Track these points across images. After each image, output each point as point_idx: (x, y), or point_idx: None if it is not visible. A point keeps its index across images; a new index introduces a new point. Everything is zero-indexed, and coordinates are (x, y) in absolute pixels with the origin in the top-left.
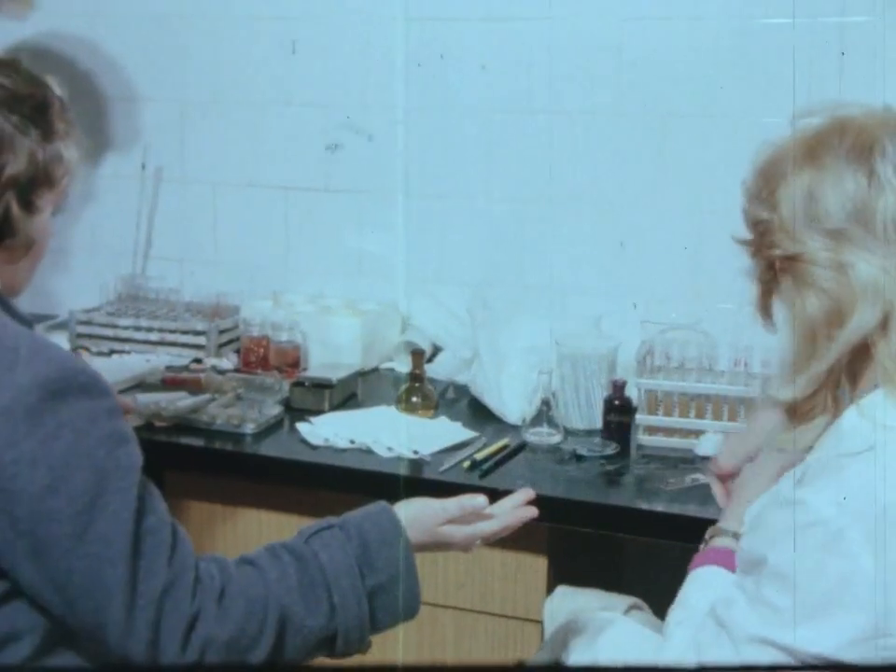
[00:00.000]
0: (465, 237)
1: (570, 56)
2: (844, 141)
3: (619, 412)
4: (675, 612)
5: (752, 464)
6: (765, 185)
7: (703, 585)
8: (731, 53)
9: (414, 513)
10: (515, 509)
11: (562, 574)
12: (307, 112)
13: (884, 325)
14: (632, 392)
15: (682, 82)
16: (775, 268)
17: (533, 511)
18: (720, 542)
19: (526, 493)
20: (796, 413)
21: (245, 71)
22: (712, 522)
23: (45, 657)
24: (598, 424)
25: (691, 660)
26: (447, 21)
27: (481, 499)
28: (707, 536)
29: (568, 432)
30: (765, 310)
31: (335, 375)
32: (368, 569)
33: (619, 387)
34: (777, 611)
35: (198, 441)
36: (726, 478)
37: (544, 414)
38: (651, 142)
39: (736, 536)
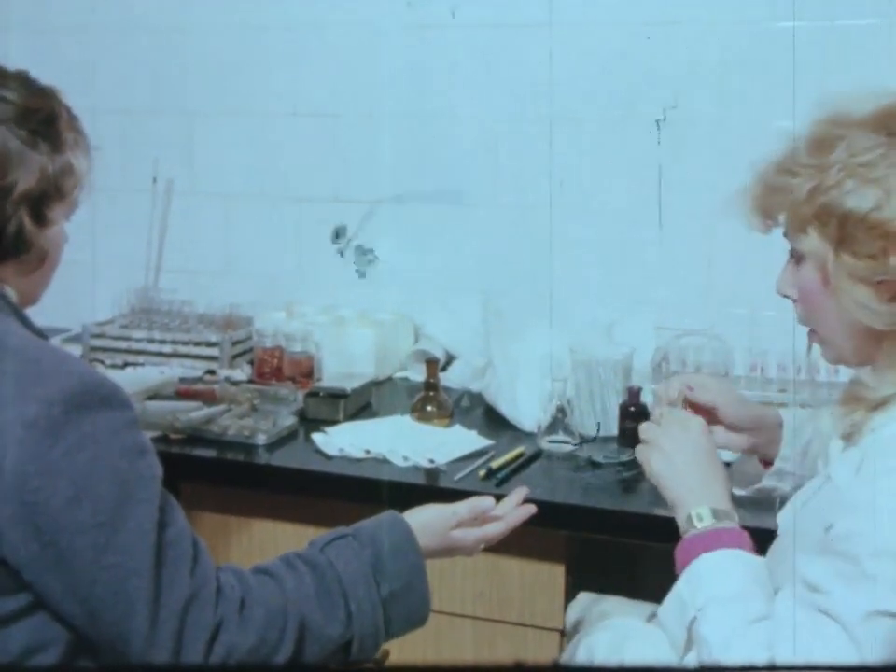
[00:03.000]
0: (477, 245)
1: (578, 62)
2: None
3: (634, 418)
4: (711, 609)
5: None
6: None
7: (736, 570)
8: (737, 57)
9: (425, 519)
10: (515, 509)
11: (580, 582)
12: (316, 122)
13: None
14: (648, 398)
15: (689, 87)
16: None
17: (531, 509)
18: (722, 525)
19: (522, 492)
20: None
21: (253, 82)
22: None
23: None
24: (614, 431)
25: (761, 657)
26: (455, 28)
27: (489, 501)
28: (689, 520)
29: (584, 439)
30: None
31: (349, 385)
32: (382, 577)
33: (634, 394)
34: (886, 582)
35: (211, 453)
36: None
37: (559, 422)
38: (662, 149)
39: (729, 515)
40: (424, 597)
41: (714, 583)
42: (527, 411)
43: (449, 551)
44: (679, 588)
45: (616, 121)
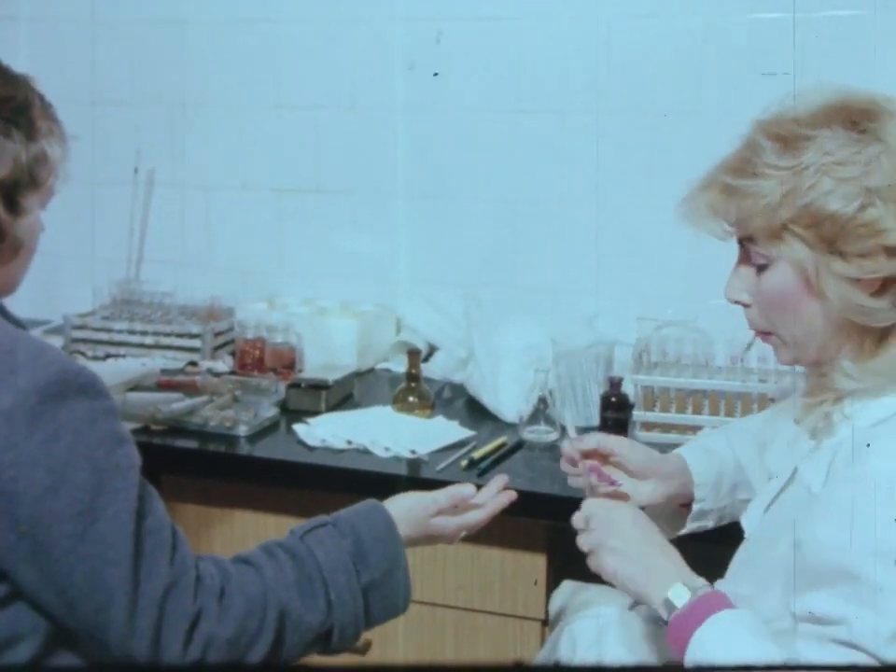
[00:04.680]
0: (459, 237)
1: (562, 56)
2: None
3: (616, 408)
4: None
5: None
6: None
7: (738, 630)
8: (719, 49)
9: (406, 508)
10: (496, 496)
11: (561, 571)
12: (299, 114)
13: None
14: (628, 389)
15: (671, 80)
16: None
17: (512, 495)
18: (699, 595)
19: (502, 479)
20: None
21: (236, 73)
22: None
23: (46, 659)
24: (595, 421)
25: None
26: (440, 20)
27: (469, 489)
28: (667, 603)
29: (565, 430)
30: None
31: (331, 376)
32: (362, 566)
33: (615, 384)
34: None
35: (192, 444)
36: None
37: (541, 412)
38: (643, 140)
39: (698, 582)
40: (404, 586)
41: (725, 652)
42: (509, 401)
43: (429, 538)
44: None
45: (601, 115)
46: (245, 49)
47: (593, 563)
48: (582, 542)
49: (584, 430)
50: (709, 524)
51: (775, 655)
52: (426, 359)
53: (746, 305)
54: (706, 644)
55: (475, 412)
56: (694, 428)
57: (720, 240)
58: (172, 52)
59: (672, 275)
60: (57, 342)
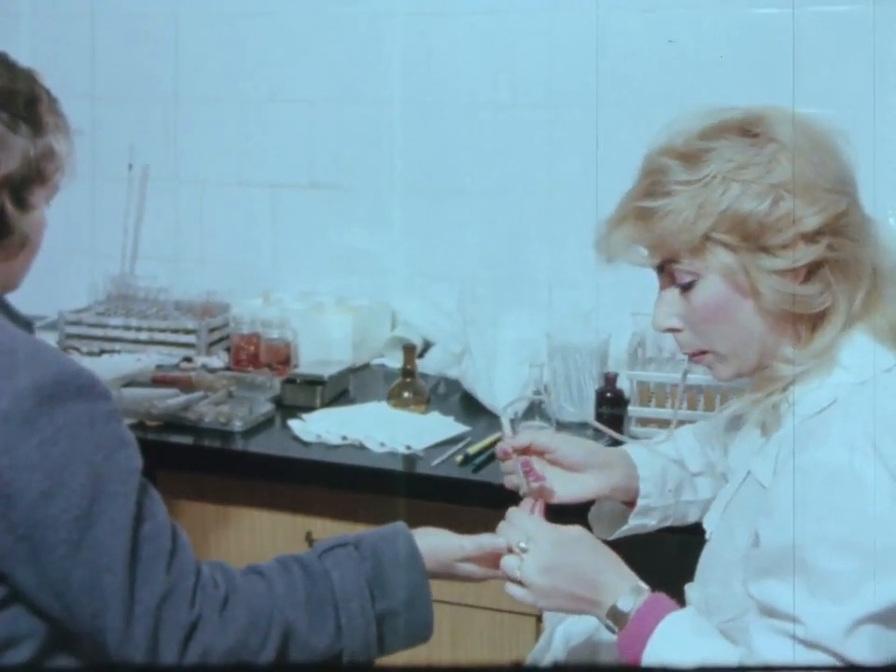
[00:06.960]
0: (454, 232)
1: (557, 49)
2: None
3: (611, 404)
4: None
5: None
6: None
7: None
8: (713, 44)
9: (432, 545)
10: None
11: None
12: (295, 109)
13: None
14: (624, 384)
15: (668, 74)
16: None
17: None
18: (642, 599)
19: None
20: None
21: (230, 68)
22: None
23: (44, 662)
24: (591, 417)
25: None
26: (435, 15)
27: (500, 542)
28: (613, 611)
29: (561, 425)
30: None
31: (326, 372)
32: (379, 592)
33: (611, 380)
34: (848, 580)
35: (187, 440)
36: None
37: (536, 408)
38: (640, 134)
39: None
40: (425, 618)
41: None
42: (504, 397)
43: (452, 578)
44: None
45: (596, 109)
46: (241, 43)
47: (527, 594)
48: (511, 566)
49: (580, 426)
50: (652, 522)
51: (731, 654)
52: (421, 355)
53: (677, 330)
54: (661, 653)
55: (470, 407)
56: (690, 424)
57: (648, 267)
58: (166, 47)
59: None
60: (52, 337)
